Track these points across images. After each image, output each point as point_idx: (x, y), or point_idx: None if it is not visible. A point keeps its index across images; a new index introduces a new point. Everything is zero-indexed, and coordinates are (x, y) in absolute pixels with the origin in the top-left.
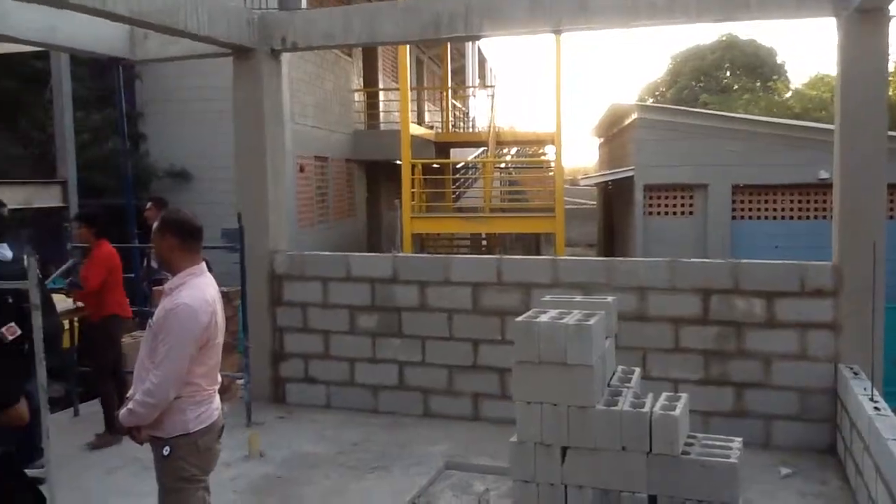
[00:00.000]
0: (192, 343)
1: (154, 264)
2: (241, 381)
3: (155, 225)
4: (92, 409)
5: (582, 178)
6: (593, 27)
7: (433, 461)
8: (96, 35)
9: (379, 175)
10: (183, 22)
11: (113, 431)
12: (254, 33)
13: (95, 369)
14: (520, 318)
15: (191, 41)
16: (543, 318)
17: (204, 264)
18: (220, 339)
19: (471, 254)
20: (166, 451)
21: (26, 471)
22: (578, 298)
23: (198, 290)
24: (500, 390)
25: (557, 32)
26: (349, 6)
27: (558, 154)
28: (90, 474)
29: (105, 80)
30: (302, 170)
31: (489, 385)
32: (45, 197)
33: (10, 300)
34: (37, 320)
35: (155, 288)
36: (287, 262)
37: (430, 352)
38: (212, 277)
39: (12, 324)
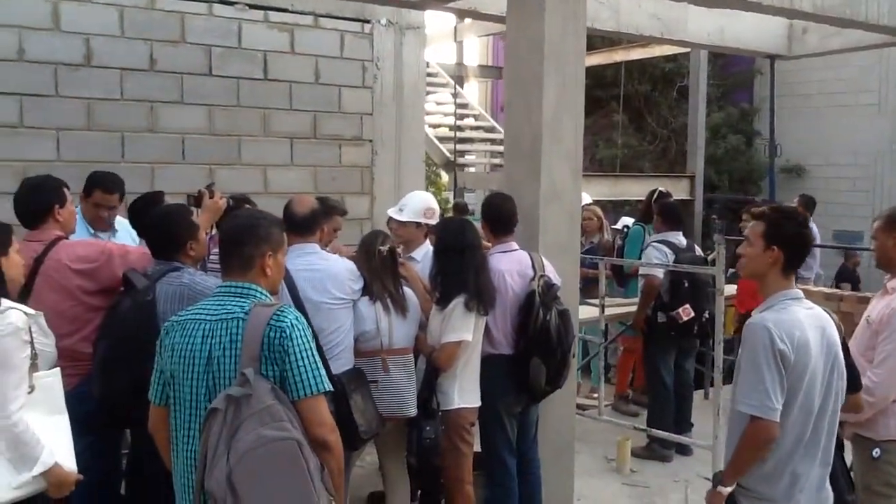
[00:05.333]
0: None
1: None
2: None
3: (877, 224)
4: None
5: None
6: None
7: None
8: (758, 34)
9: None
10: (863, 13)
11: None
12: None
13: None
14: None
15: (860, 33)
16: None
17: None
18: None
19: None
20: (876, 453)
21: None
22: None
23: None
24: None
25: None
26: None
27: None
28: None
29: (724, 77)
30: None
31: None
32: (675, 190)
33: (686, 284)
34: (719, 304)
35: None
36: None
37: None
38: None
39: (687, 305)
